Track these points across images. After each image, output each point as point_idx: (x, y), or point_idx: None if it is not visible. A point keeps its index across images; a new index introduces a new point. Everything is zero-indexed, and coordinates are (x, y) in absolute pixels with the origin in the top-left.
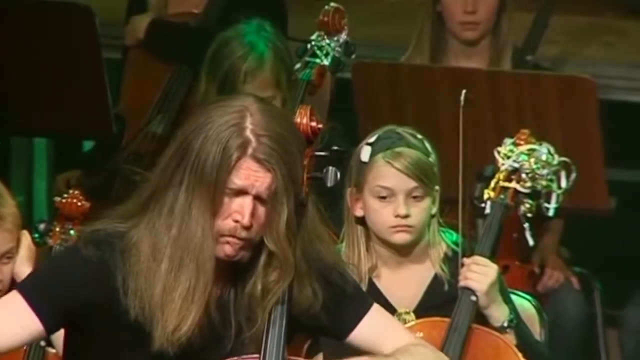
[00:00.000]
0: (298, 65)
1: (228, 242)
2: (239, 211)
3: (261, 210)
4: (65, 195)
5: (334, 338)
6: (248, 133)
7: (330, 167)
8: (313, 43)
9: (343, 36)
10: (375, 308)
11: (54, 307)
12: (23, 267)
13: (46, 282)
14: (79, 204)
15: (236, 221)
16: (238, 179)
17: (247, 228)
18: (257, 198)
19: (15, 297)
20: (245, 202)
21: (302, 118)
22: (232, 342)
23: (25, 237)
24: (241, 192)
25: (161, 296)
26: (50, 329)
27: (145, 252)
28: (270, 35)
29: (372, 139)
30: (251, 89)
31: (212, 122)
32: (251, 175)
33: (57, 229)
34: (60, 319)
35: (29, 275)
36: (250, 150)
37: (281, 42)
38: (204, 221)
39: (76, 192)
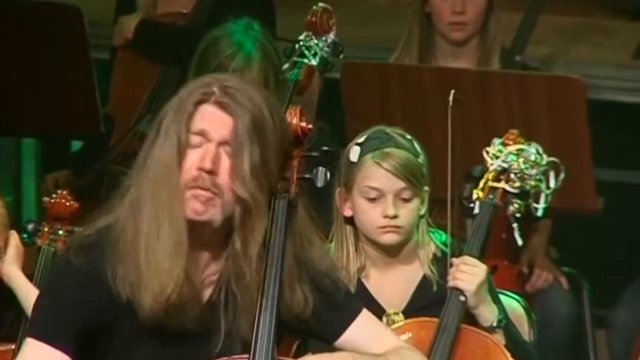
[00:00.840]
0: (286, 66)
1: (195, 196)
2: (201, 157)
3: (226, 159)
4: (54, 196)
5: (322, 341)
6: (214, 87)
7: (320, 168)
8: (301, 43)
9: (331, 36)
10: (365, 313)
11: (70, 335)
12: (11, 267)
13: (52, 315)
14: (68, 204)
15: (199, 168)
16: (200, 122)
17: (210, 173)
18: (221, 145)
19: (33, 345)
20: (208, 148)
21: (292, 118)
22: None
23: (14, 237)
24: (205, 138)
25: (145, 261)
26: (75, 355)
27: (129, 233)
28: (258, 35)
29: (361, 139)
30: None
31: (180, 93)
32: (213, 118)
33: (46, 229)
34: (79, 340)
35: (34, 314)
36: (213, 98)
37: (269, 42)
38: (172, 172)
39: (65, 192)
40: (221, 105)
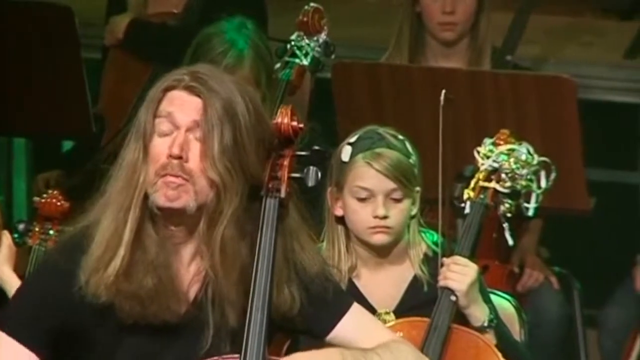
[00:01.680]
0: (278, 65)
1: (166, 183)
2: (169, 144)
3: (195, 144)
4: (45, 196)
5: (312, 337)
6: (185, 75)
7: (311, 167)
8: (293, 43)
9: (322, 36)
10: (356, 307)
11: (39, 333)
12: (3, 267)
13: (23, 311)
14: (59, 204)
15: (169, 156)
16: (167, 105)
17: (178, 158)
18: (189, 130)
19: (3, 339)
20: (177, 135)
21: (284, 118)
22: (212, 334)
23: (6, 237)
24: (172, 125)
25: (94, 242)
26: (46, 354)
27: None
28: (251, 33)
29: (352, 139)
30: None
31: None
32: (181, 102)
33: (37, 229)
34: (51, 339)
35: (8, 307)
36: (182, 84)
37: (262, 41)
38: (132, 160)
39: (55, 192)
40: (190, 89)
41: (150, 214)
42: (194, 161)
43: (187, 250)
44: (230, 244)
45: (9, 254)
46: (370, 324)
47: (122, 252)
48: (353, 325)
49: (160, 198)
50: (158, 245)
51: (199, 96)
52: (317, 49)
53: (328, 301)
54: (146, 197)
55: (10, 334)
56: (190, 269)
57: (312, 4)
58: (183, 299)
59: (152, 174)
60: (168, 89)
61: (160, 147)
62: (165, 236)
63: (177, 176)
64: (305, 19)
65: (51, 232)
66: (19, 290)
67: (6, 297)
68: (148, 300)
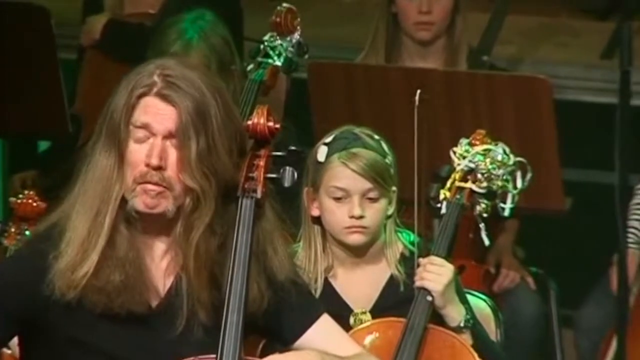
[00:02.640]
0: (251, 66)
1: (145, 191)
2: (148, 154)
3: (172, 152)
4: (21, 196)
5: (280, 342)
6: (155, 77)
7: (288, 167)
8: (266, 44)
9: (296, 36)
10: (326, 318)
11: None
12: None
13: None
14: (35, 204)
15: (147, 165)
16: (142, 115)
17: (158, 168)
18: (166, 138)
19: None
20: (154, 143)
21: (260, 118)
22: (183, 324)
23: None
24: (149, 132)
25: (65, 242)
26: (2, 340)
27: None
28: (205, 24)
29: (328, 139)
30: None
31: (128, 78)
32: (156, 112)
33: (13, 230)
34: (8, 328)
35: None
36: (155, 90)
37: (216, 32)
38: (106, 167)
39: (32, 192)
40: (163, 97)
41: (125, 214)
42: (172, 169)
43: (159, 246)
44: (204, 247)
45: None
46: (339, 335)
47: (94, 257)
48: (321, 334)
49: (140, 205)
50: (129, 242)
51: (173, 105)
52: (290, 49)
53: (295, 307)
54: (122, 199)
55: None
56: (161, 263)
57: (285, 5)
58: (153, 292)
59: (130, 181)
60: (141, 96)
61: (137, 154)
62: (137, 234)
63: (156, 184)
64: (278, 20)
65: (27, 232)
66: None
67: None
68: (114, 293)
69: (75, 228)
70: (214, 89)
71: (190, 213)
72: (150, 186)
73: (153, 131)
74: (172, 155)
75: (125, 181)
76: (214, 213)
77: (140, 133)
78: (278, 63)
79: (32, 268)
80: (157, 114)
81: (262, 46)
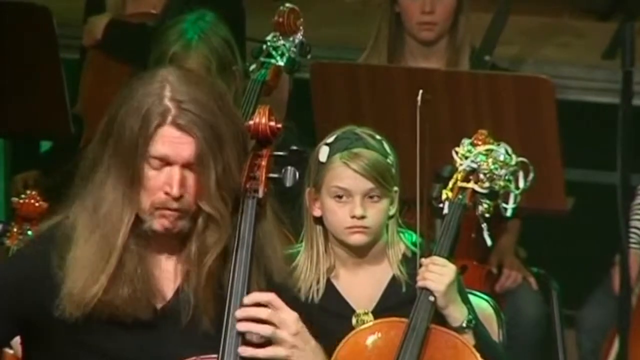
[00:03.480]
0: (253, 66)
1: (163, 215)
2: (167, 182)
3: (191, 178)
4: (23, 196)
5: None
6: (167, 101)
7: (289, 167)
8: (268, 44)
9: (298, 36)
10: None
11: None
12: None
13: None
14: (37, 204)
15: (166, 193)
16: (161, 147)
17: (178, 199)
18: (184, 166)
19: None
20: (173, 173)
21: (261, 118)
22: (187, 322)
23: None
24: (167, 162)
25: (71, 259)
26: (3, 338)
27: (77, 230)
28: (205, 25)
29: (330, 139)
30: None
31: (133, 94)
32: (174, 142)
33: (15, 230)
34: (9, 326)
35: None
36: (170, 118)
37: (217, 33)
38: (116, 190)
39: (34, 192)
40: (179, 127)
41: (137, 230)
42: (190, 194)
43: (170, 261)
44: (215, 268)
45: None
46: None
47: (104, 279)
48: None
49: (158, 227)
50: (139, 258)
51: (190, 135)
52: (293, 49)
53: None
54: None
55: None
56: (168, 269)
57: (287, 5)
58: (159, 296)
59: (148, 204)
60: (157, 126)
61: (155, 181)
62: (148, 249)
63: (175, 210)
64: (280, 20)
65: (29, 232)
66: None
67: None
68: (122, 305)
69: (84, 249)
70: (221, 103)
71: (203, 234)
72: (169, 212)
73: (171, 161)
74: (190, 181)
75: (140, 204)
76: (229, 236)
77: (157, 161)
78: (281, 63)
79: (33, 268)
80: (174, 145)
81: (264, 46)
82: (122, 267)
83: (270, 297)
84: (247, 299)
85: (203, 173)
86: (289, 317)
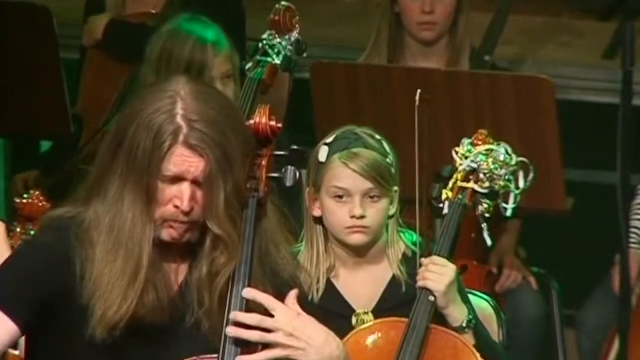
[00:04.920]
0: (250, 65)
1: (172, 227)
2: (178, 197)
3: (200, 193)
4: (26, 196)
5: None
6: (179, 119)
7: (290, 167)
8: (264, 42)
9: (294, 35)
10: None
11: (23, 302)
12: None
13: (10, 279)
14: (41, 204)
15: (176, 207)
16: (172, 166)
17: (188, 213)
18: (194, 182)
19: None
20: (184, 188)
21: (262, 118)
22: (192, 323)
23: (2, 229)
24: (177, 178)
25: (95, 282)
26: (25, 325)
27: (94, 238)
28: (222, 37)
29: (330, 139)
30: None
31: (145, 109)
32: (185, 161)
33: (18, 230)
34: (32, 312)
35: None
36: (182, 138)
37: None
38: (134, 208)
39: (37, 192)
40: (191, 147)
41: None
42: (198, 209)
43: (175, 258)
44: (225, 288)
45: (5, 246)
46: None
47: (133, 298)
48: None
49: (166, 236)
50: (155, 266)
51: (201, 155)
52: (289, 47)
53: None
54: None
55: None
56: (175, 267)
57: (283, 3)
58: (171, 297)
59: (158, 215)
60: (169, 146)
61: (167, 193)
62: (159, 255)
63: (184, 223)
64: (277, 18)
65: (32, 232)
66: (11, 257)
67: None
68: (147, 314)
69: (109, 271)
70: (231, 120)
71: (213, 253)
72: (178, 224)
73: (181, 178)
74: (200, 197)
75: (152, 215)
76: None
77: (169, 178)
78: (277, 61)
79: (52, 254)
80: (186, 164)
81: (260, 45)
82: (146, 282)
83: (264, 298)
84: (245, 293)
85: (213, 192)
86: (283, 319)
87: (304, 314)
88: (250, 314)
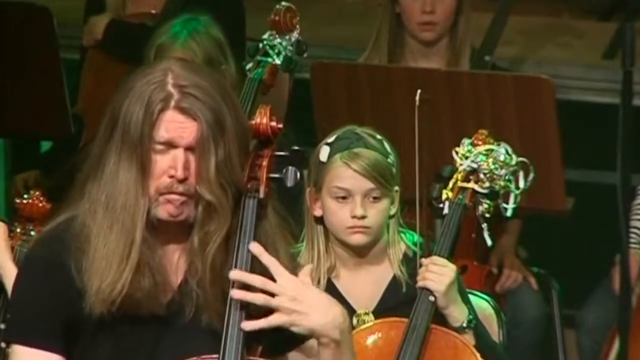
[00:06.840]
0: (250, 65)
1: (169, 201)
2: (172, 166)
3: (193, 162)
4: (27, 197)
5: (274, 350)
6: (170, 87)
7: (290, 167)
8: (265, 42)
9: (295, 35)
10: None
11: (53, 331)
12: (4, 258)
13: (28, 317)
14: (41, 205)
15: (171, 176)
16: (164, 132)
17: (183, 181)
18: (188, 149)
19: (20, 351)
20: (177, 156)
21: (262, 118)
22: (190, 317)
23: (2, 230)
24: (171, 145)
25: (92, 260)
26: (66, 350)
27: (86, 230)
28: (196, 23)
29: (330, 139)
30: None
31: (135, 84)
32: (177, 126)
33: (18, 230)
34: (64, 335)
35: (11, 320)
36: (172, 103)
37: (207, 32)
38: (128, 181)
39: (37, 193)
40: (182, 110)
41: (148, 221)
42: (192, 178)
43: (175, 252)
44: (219, 260)
45: (6, 245)
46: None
47: (128, 274)
48: (311, 350)
49: (163, 214)
50: (151, 247)
51: (193, 118)
52: (290, 47)
53: None
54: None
55: (23, 342)
56: (174, 260)
57: (284, 3)
58: (169, 289)
59: (153, 190)
60: (160, 111)
61: (161, 164)
62: (157, 238)
63: (180, 194)
64: (277, 18)
65: (32, 232)
66: (14, 296)
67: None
68: (142, 299)
69: (105, 246)
70: (224, 92)
71: (204, 224)
72: (174, 196)
73: (174, 144)
74: (193, 165)
75: (148, 191)
76: (230, 226)
77: (162, 146)
78: (277, 62)
79: (53, 269)
80: (178, 129)
81: (261, 45)
82: (141, 260)
83: (269, 260)
84: (252, 247)
85: (204, 156)
86: (287, 283)
87: (309, 281)
88: (254, 275)
